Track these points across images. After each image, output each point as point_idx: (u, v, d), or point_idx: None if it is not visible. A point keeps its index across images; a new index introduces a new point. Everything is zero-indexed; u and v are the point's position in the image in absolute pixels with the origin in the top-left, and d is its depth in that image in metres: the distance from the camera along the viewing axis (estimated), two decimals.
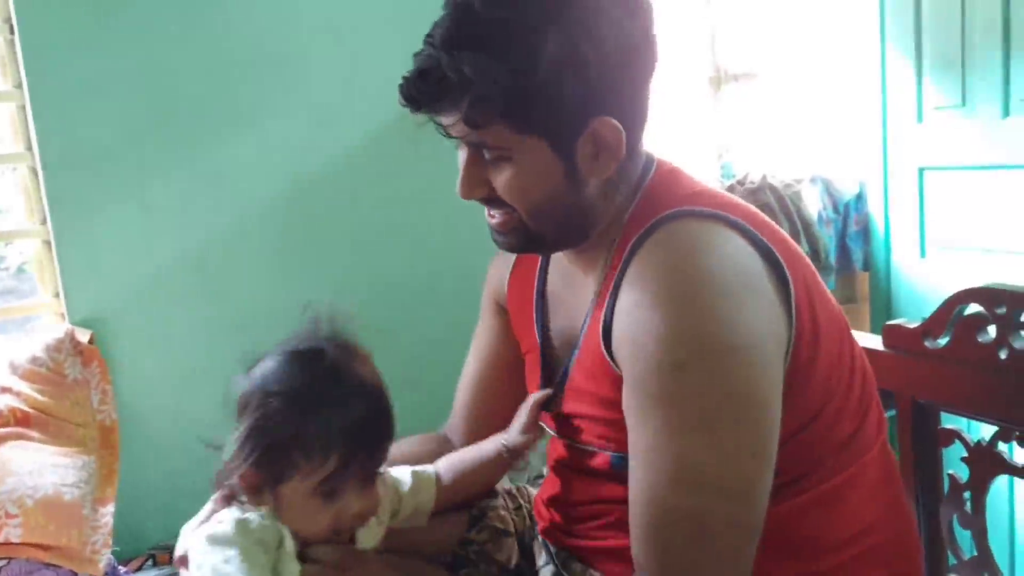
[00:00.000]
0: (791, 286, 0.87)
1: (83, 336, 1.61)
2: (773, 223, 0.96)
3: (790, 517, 0.88)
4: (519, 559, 1.15)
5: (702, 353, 0.82)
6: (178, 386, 1.70)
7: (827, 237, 2.35)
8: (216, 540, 0.85)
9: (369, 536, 0.96)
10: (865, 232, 2.43)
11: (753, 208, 0.95)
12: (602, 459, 0.95)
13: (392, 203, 1.91)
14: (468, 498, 1.12)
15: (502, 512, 1.19)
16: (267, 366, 0.89)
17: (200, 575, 0.84)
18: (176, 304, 1.71)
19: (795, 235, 2.24)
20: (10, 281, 1.90)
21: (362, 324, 1.87)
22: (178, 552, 0.93)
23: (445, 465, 1.09)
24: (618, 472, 0.92)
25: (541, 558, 1.10)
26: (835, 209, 2.39)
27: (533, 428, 1.05)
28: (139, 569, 1.54)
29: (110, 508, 1.48)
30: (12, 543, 1.33)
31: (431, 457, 1.19)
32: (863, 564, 0.94)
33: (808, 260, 0.96)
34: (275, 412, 0.85)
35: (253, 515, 0.88)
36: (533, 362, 1.10)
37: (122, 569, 1.49)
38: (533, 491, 1.26)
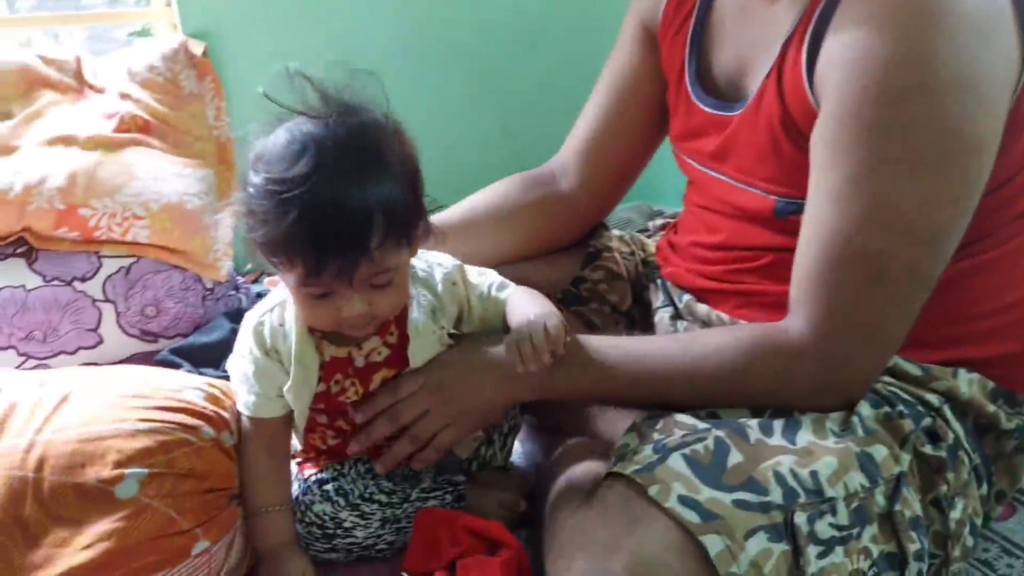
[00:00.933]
0: None
1: (197, 48, 1.58)
2: None
3: (949, 281, 0.84)
4: (632, 303, 1.15)
5: (932, 83, 0.76)
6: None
7: None
8: (244, 330, 0.90)
9: (422, 347, 0.90)
10: None
11: None
12: (764, 203, 0.91)
13: None
14: None
15: (617, 255, 1.17)
16: (267, 140, 0.79)
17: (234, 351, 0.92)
18: (288, 23, 1.66)
19: None
20: None
21: (464, 67, 1.79)
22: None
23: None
24: (780, 219, 0.89)
25: (658, 299, 1.09)
26: None
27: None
28: (255, 281, 1.61)
29: (230, 219, 1.52)
30: (140, 243, 1.39)
31: (534, 206, 1.15)
32: (1004, 334, 0.91)
33: None
34: (247, 202, 0.78)
35: (269, 316, 0.88)
36: (679, 99, 1.02)
37: (240, 279, 1.56)
38: (645, 240, 1.23)
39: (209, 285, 1.45)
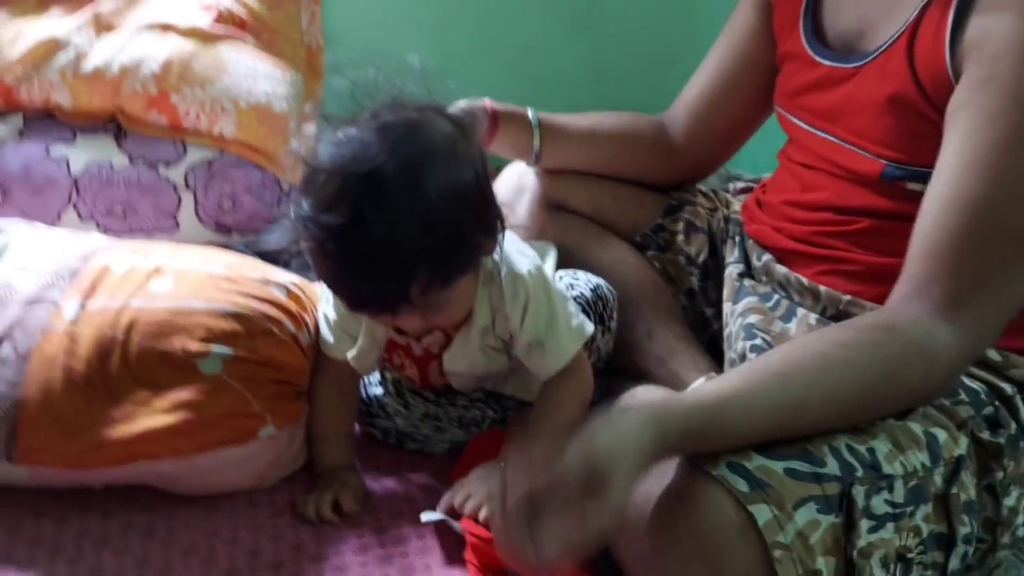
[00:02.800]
0: None
1: None
2: None
3: None
4: (707, 256, 1.15)
5: None
6: (383, 28, 1.68)
7: None
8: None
9: (463, 355, 0.89)
10: None
11: None
12: (873, 166, 0.89)
13: None
14: None
15: (700, 209, 1.17)
16: (319, 158, 0.76)
17: None
18: None
19: None
20: None
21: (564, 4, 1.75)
22: None
23: None
24: (886, 183, 0.88)
25: (732, 255, 1.08)
26: None
27: None
28: None
29: (312, 127, 1.53)
30: (225, 137, 1.41)
31: (642, 137, 1.18)
32: None
33: None
34: (296, 218, 0.75)
35: None
36: (792, 56, 1.01)
37: None
38: (730, 198, 1.23)
39: (286, 188, 1.47)
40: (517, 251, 0.88)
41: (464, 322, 0.87)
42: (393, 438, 1.00)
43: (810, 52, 0.98)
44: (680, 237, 1.15)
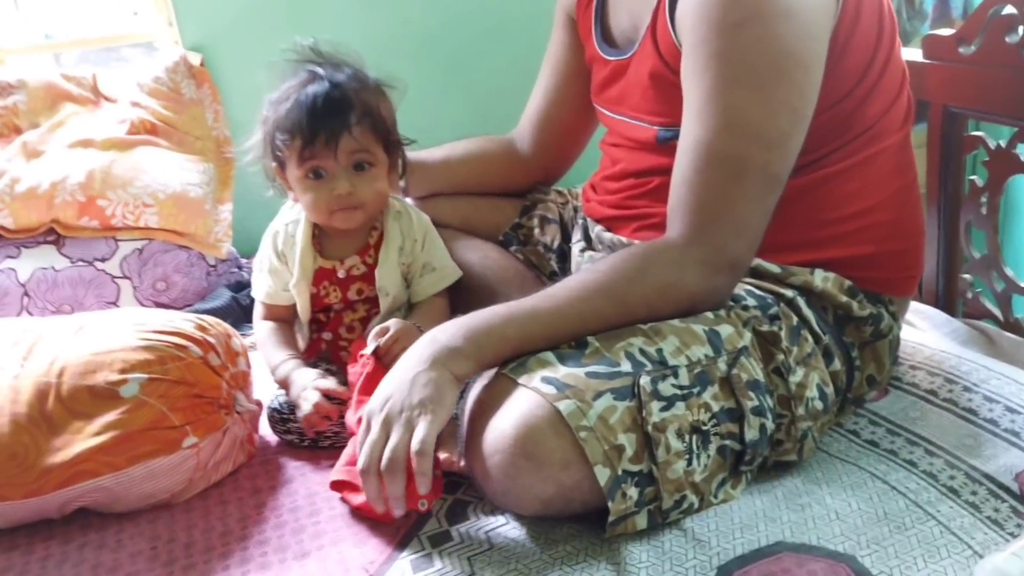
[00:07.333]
0: None
1: (195, 60, 1.80)
2: None
3: (804, 189, 1.01)
4: (561, 241, 1.33)
5: (759, 14, 0.92)
6: None
7: None
8: (266, 235, 1.22)
9: (387, 273, 1.17)
10: None
11: None
12: (648, 133, 1.09)
13: None
14: None
15: (551, 203, 1.36)
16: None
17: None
18: (274, 34, 1.86)
19: None
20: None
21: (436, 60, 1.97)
22: None
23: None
24: (662, 145, 1.06)
25: (576, 236, 1.27)
26: None
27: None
28: None
29: (228, 207, 1.73)
30: (151, 228, 1.61)
31: (492, 155, 1.38)
32: (856, 239, 1.06)
33: None
34: (268, 109, 1.12)
35: (281, 224, 1.20)
36: (593, 58, 1.21)
37: (243, 260, 1.77)
38: (578, 191, 1.42)
39: (212, 262, 1.66)
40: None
41: (382, 243, 1.18)
42: (307, 439, 1.16)
43: (601, 53, 1.18)
44: (536, 230, 1.34)
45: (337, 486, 1.01)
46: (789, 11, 0.92)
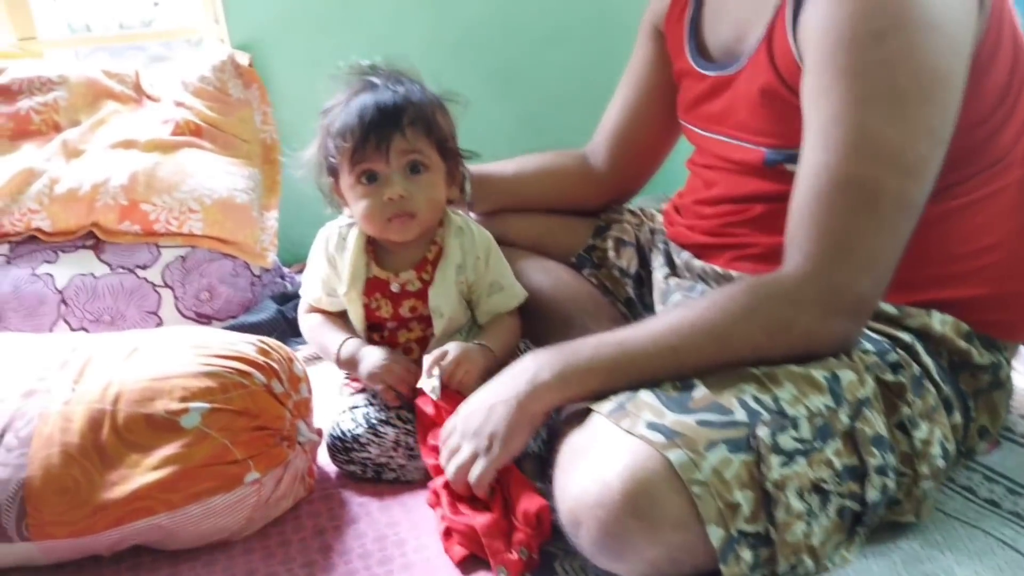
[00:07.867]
0: None
1: (243, 59, 1.73)
2: None
3: (928, 222, 0.90)
4: (638, 266, 1.25)
5: (902, 24, 0.84)
6: None
7: None
8: (318, 238, 1.15)
9: (443, 292, 1.11)
10: None
11: None
12: (755, 155, 1.00)
13: None
14: None
15: (627, 225, 1.28)
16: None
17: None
18: (324, 33, 1.80)
19: None
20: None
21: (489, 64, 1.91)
22: None
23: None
24: (769, 168, 0.98)
25: (657, 261, 1.19)
26: None
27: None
28: (300, 272, 1.73)
29: (274, 214, 1.66)
30: (195, 234, 1.53)
31: (566, 170, 1.31)
32: (975, 279, 0.98)
33: None
34: (322, 119, 1.08)
35: (335, 226, 1.14)
36: (684, 73, 1.13)
37: (285, 270, 1.69)
38: (655, 212, 1.34)
39: (257, 272, 1.58)
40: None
41: (440, 259, 1.11)
42: (371, 471, 1.08)
43: (696, 67, 1.10)
44: (611, 253, 1.26)
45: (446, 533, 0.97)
46: (934, 23, 0.84)
